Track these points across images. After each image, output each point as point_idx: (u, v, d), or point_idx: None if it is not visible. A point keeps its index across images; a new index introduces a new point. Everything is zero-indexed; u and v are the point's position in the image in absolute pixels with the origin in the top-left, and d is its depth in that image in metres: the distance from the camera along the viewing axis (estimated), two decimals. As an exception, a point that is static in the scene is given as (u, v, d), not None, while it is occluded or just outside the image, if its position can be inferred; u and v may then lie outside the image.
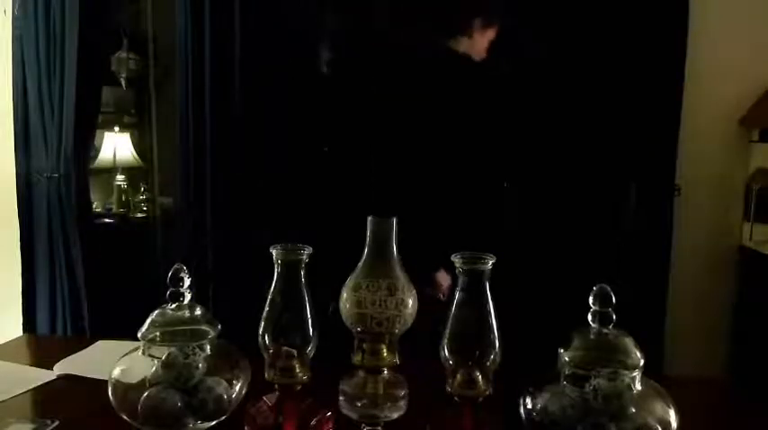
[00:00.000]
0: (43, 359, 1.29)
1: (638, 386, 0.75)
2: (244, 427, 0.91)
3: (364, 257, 0.88)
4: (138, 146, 3.75)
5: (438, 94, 2.69)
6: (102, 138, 3.56)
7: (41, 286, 2.55)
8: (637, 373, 0.75)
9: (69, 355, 1.30)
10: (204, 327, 0.87)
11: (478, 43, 2.75)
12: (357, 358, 0.87)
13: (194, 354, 0.83)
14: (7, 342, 1.48)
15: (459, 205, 2.61)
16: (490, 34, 2.73)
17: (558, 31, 2.56)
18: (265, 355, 0.89)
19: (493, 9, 2.67)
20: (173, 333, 0.86)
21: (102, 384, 0.85)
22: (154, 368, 0.83)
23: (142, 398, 0.81)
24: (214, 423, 0.85)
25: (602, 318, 0.78)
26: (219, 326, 0.88)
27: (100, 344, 1.40)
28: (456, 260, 0.85)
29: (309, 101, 2.89)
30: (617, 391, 0.72)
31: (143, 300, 0.94)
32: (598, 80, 2.26)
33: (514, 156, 2.61)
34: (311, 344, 0.89)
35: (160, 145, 3.45)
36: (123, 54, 3.49)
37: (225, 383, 0.85)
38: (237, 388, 0.87)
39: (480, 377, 0.84)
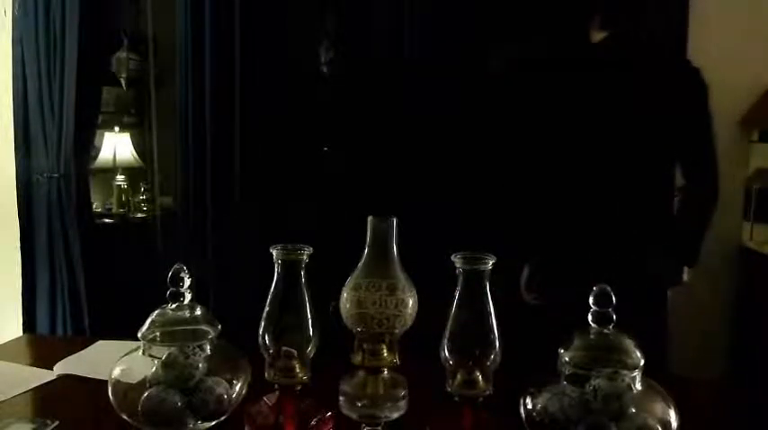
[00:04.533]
0: (43, 359, 1.29)
1: (638, 386, 0.75)
2: (244, 427, 0.91)
3: (364, 257, 0.88)
4: (138, 146, 3.75)
5: (438, 93, 2.69)
6: (102, 138, 3.56)
7: (41, 286, 2.55)
8: (637, 373, 0.75)
9: (69, 355, 1.30)
10: (204, 327, 0.87)
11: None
12: (357, 358, 0.87)
13: (194, 354, 0.83)
14: (7, 342, 1.49)
15: (459, 205, 2.61)
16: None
17: (554, 36, 2.56)
18: (265, 355, 0.89)
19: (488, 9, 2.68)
20: (173, 333, 0.86)
21: (102, 384, 0.85)
22: (154, 368, 0.83)
23: (142, 398, 0.81)
24: (214, 423, 0.85)
25: (601, 319, 0.78)
26: (219, 327, 0.88)
27: (100, 344, 1.40)
28: (456, 260, 0.85)
29: (309, 101, 2.89)
30: (617, 391, 0.72)
31: (143, 300, 0.94)
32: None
33: (513, 156, 2.61)
34: (311, 344, 0.89)
35: (160, 145, 3.45)
36: (123, 54, 3.49)
37: (225, 383, 0.85)
38: (237, 388, 0.87)
39: (480, 377, 0.84)
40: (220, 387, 0.84)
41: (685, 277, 1.96)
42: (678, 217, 1.90)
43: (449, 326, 0.86)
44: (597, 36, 1.86)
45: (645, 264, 1.86)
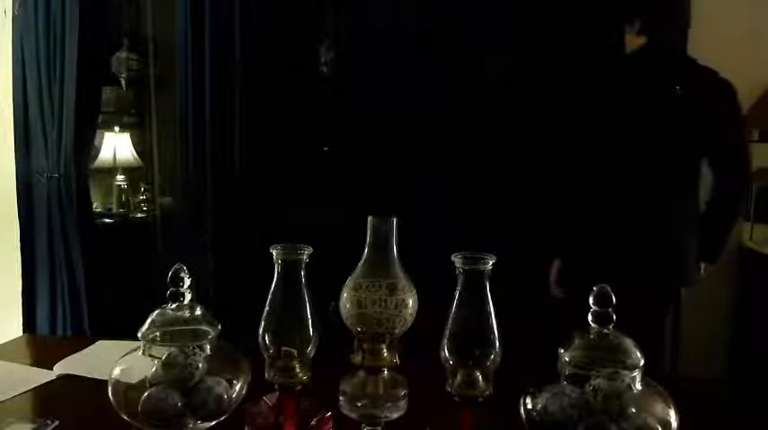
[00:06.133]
0: (43, 359, 1.29)
1: (638, 386, 0.75)
2: (244, 427, 0.91)
3: (364, 257, 0.88)
4: (138, 146, 3.75)
5: (439, 93, 2.69)
6: (102, 138, 3.56)
7: (41, 286, 2.55)
8: (637, 373, 0.75)
9: (69, 355, 1.31)
10: (204, 327, 0.87)
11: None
12: (357, 358, 0.87)
13: (194, 354, 0.83)
14: (7, 342, 1.49)
15: (459, 205, 2.61)
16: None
17: (552, 38, 2.57)
18: (265, 355, 0.89)
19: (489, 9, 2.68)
20: (173, 333, 0.86)
21: (102, 384, 0.85)
22: (154, 368, 0.83)
23: (142, 398, 0.81)
24: (214, 423, 0.84)
25: (601, 319, 0.78)
26: (219, 326, 0.88)
27: (100, 344, 1.40)
28: (456, 260, 0.85)
29: (309, 101, 2.89)
30: (617, 391, 0.72)
31: (143, 300, 0.94)
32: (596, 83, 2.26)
33: (513, 156, 2.61)
34: (311, 344, 0.89)
35: (160, 145, 3.46)
36: (123, 54, 3.49)
37: (225, 383, 0.85)
38: (237, 388, 0.86)
39: (480, 377, 0.84)
40: (220, 387, 0.84)
41: (702, 273, 1.99)
42: (708, 214, 1.93)
43: (449, 327, 0.86)
44: (631, 42, 1.90)
45: (672, 261, 1.89)
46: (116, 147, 3.66)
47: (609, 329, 0.78)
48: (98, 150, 3.55)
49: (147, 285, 1.31)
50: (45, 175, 2.51)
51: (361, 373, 0.87)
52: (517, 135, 2.59)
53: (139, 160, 3.74)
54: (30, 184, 2.54)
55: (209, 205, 2.59)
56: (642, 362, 0.76)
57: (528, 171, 2.50)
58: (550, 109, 2.31)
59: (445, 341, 0.85)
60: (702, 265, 1.98)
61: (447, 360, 0.85)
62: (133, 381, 0.84)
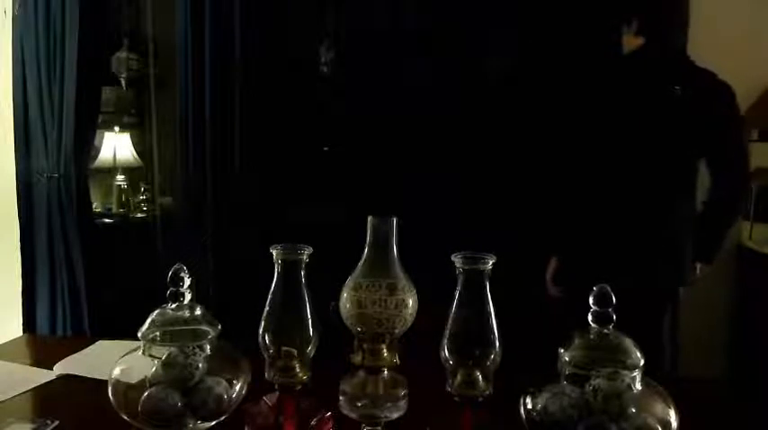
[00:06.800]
0: (43, 359, 1.29)
1: (638, 386, 0.75)
2: (244, 427, 0.91)
3: (364, 257, 0.88)
4: (138, 146, 3.75)
5: (439, 93, 2.69)
6: (102, 138, 3.56)
7: (41, 286, 2.55)
8: (637, 373, 0.75)
9: (69, 355, 1.31)
10: (204, 327, 0.87)
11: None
12: (357, 358, 0.87)
13: (194, 354, 0.83)
14: (7, 342, 1.49)
15: (459, 205, 2.61)
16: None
17: (552, 38, 2.57)
18: (265, 355, 0.89)
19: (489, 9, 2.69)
20: (173, 333, 0.86)
21: (102, 384, 0.85)
22: (154, 368, 0.83)
23: (142, 398, 0.81)
24: (214, 423, 0.84)
25: (601, 319, 0.78)
26: (219, 326, 0.88)
27: (100, 344, 1.40)
28: (456, 260, 0.85)
29: (309, 101, 2.89)
30: (617, 391, 0.72)
31: (143, 300, 0.94)
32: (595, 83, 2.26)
33: (513, 156, 2.61)
34: (311, 344, 0.89)
35: (160, 145, 3.46)
36: (123, 54, 3.49)
37: (225, 383, 0.85)
38: (237, 388, 0.86)
39: (480, 377, 0.84)
40: (220, 387, 0.84)
41: (698, 273, 1.99)
42: (706, 214, 1.94)
43: (449, 327, 0.86)
44: (629, 42, 1.90)
45: (670, 261, 1.89)
46: (116, 147, 3.66)
47: (609, 329, 0.78)
48: (98, 150, 3.54)
49: (147, 285, 1.31)
50: (45, 175, 2.51)
51: (361, 373, 0.87)
52: (517, 135, 2.59)
53: (139, 160, 3.74)
54: (30, 184, 2.54)
55: (209, 205, 2.59)
56: (642, 362, 0.76)
57: (528, 171, 2.50)
58: (550, 109, 2.31)
59: (445, 341, 0.85)
60: (698, 266, 1.98)
61: (447, 360, 0.85)
62: (133, 381, 0.84)
